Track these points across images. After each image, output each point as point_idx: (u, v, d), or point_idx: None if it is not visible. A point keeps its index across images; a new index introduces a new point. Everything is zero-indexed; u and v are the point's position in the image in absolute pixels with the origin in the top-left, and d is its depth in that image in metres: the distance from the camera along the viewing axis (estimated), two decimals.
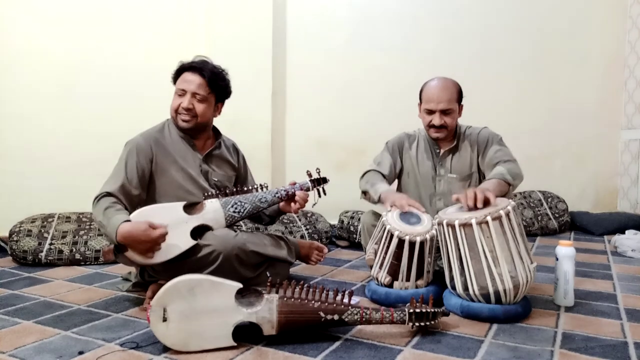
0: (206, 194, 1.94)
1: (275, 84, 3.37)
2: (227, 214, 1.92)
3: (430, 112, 2.16)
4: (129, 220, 1.68)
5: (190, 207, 1.89)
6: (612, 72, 4.08)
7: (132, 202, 1.84)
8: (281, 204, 2.09)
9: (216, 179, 2.06)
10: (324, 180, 2.13)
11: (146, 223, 1.66)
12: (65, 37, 2.96)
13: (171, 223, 1.77)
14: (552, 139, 4.02)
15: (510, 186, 2.02)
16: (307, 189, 2.08)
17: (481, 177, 2.21)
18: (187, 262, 1.78)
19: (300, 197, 2.03)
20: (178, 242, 1.77)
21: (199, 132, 2.02)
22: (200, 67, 1.96)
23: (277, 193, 2.02)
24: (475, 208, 1.78)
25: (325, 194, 2.13)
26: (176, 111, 1.96)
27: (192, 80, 1.94)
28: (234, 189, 1.99)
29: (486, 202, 1.78)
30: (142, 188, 1.90)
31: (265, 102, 3.31)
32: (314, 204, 2.11)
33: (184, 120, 1.96)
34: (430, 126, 2.18)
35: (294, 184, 2.08)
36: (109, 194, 1.78)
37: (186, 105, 1.93)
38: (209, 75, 1.95)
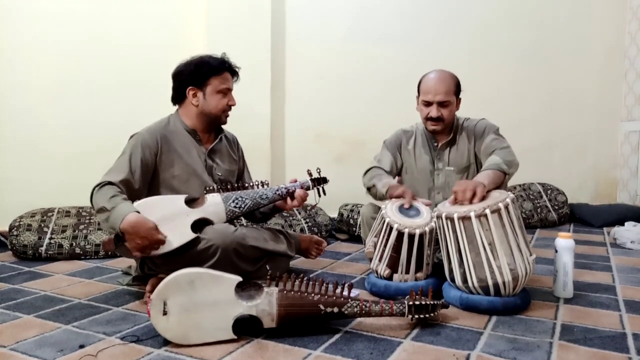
0: (207, 189, 1.95)
1: (274, 77, 3.35)
2: (228, 209, 1.92)
3: (428, 104, 2.16)
4: (137, 212, 1.69)
5: (192, 201, 1.90)
6: (612, 63, 4.06)
7: (132, 196, 1.83)
8: (278, 202, 2.11)
9: (220, 174, 2.07)
10: (324, 180, 2.13)
11: (154, 223, 1.70)
12: (63, 31, 2.95)
13: (173, 214, 1.78)
14: (552, 130, 4.01)
15: (507, 175, 2.02)
16: (308, 188, 2.08)
17: (479, 169, 2.20)
18: (186, 256, 1.79)
19: (300, 195, 2.04)
20: (179, 234, 1.78)
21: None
22: (235, 67, 2.04)
23: (277, 190, 2.02)
24: (470, 201, 1.79)
25: (325, 194, 2.14)
26: (223, 110, 2.01)
27: (230, 79, 2.03)
28: (235, 185, 2.00)
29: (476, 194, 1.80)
30: (143, 182, 1.90)
31: (265, 95, 3.30)
32: (315, 204, 2.12)
33: (227, 117, 2.05)
34: (427, 119, 2.18)
35: (295, 181, 2.08)
36: (112, 184, 1.78)
37: (234, 103, 2.03)
38: (236, 72, 2.05)
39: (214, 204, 1.91)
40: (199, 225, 1.85)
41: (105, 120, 2.99)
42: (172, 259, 1.78)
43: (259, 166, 3.04)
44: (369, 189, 2.23)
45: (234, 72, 2.04)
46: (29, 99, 2.91)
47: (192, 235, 1.80)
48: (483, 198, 1.80)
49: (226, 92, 2.00)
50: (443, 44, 3.70)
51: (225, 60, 2.01)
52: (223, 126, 2.17)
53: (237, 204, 1.94)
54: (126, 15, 3.08)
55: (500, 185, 1.99)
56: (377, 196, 2.19)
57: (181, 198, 1.86)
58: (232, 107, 2.05)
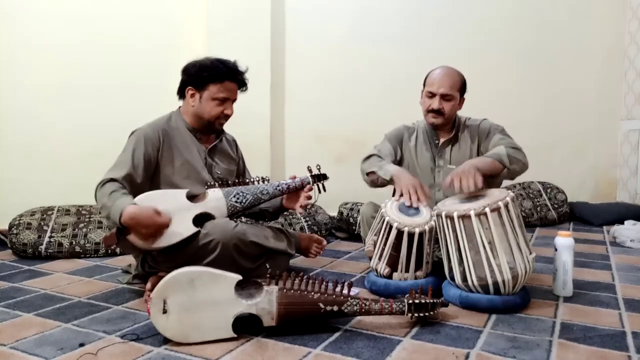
0: (208, 184, 1.95)
1: (274, 77, 3.36)
2: (229, 204, 1.93)
3: (431, 95, 2.16)
4: (135, 204, 1.70)
5: (194, 196, 1.91)
6: (612, 62, 4.06)
7: (134, 191, 1.84)
8: (284, 201, 2.14)
9: (219, 172, 2.08)
10: (324, 177, 2.15)
11: (152, 208, 1.70)
12: (62, 32, 2.95)
13: (174, 209, 1.79)
14: (552, 130, 4.01)
15: (505, 168, 2.01)
16: (308, 184, 2.09)
17: None
18: (186, 251, 1.79)
19: (308, 197, 2.07)
20: (180, 228, 1.78)
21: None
22: (242, 77, 2.03)
23: (278, 186, 2.03)
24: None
25: (325, 190, 2.14)
26: (217, 118, 2.00)
27: (233, 89, 2.01)
28: (236, 181, 2.02)
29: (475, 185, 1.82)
30: (146, 177, 1.91)
31: (264, 95, 3.30)
32: (315, 201, 2.12)
33: (221, 124, 2.05)
34: (428, 110, 2.18)
35: (294, 178, 2.08)
36: (114, 180, 1.79)
37: (230, 113, 2.02)
38: (243, 82, 2.04)
39: (216, 199, 1.91)
40: (200, 220, 1.85)
41: (106, 121, 3.00)
42: (172, 255, 1.78)
43: (259, 166, 3.04)
44: (368, 174, 2.19)
45: (241, 83, 2.03)
46: (29, 100, 2.91)
47: (194, 229, 1.80)
48: (482, 196, 1.81)
49: (224, 100, 1.99)
50: (443, 44, 3.69)
51: (233, 69, 1.99)
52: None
53: (238, 198, 1.95)
54: (126, 17, 3.08)
55: (496, 176, 1.98)
56: (376, 182, 2.16)
57: (183, 192, 1.87)
58: (229, 116, 2.04)
